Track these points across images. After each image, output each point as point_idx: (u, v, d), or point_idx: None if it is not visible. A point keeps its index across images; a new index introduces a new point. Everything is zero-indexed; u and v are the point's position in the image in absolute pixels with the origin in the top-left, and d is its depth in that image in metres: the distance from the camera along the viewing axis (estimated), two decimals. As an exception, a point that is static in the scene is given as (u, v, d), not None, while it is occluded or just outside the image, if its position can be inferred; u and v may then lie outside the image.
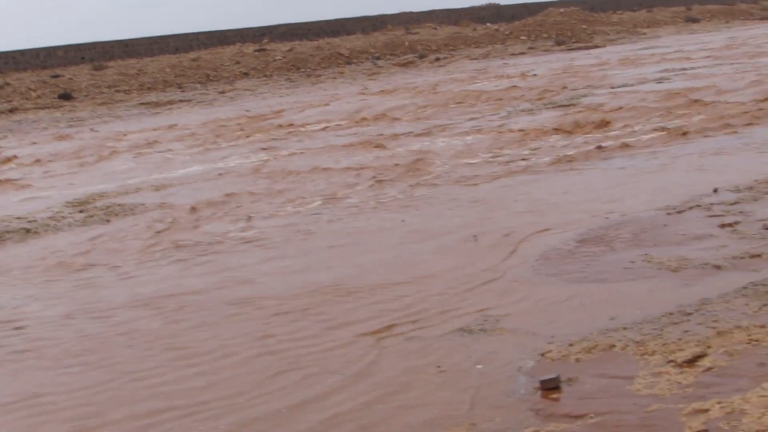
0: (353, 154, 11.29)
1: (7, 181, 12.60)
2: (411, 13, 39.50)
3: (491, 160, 9.99)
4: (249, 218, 7.68)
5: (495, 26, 37.65)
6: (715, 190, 7.14)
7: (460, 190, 8.40)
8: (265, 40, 35.00)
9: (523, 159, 9.83)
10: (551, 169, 9.06)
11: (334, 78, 29.55)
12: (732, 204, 6.69)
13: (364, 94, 21.76)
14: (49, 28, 71.57)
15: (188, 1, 73.92)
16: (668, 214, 6.56)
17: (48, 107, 27.03)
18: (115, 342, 4.89)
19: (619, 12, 43.23)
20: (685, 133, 10.37)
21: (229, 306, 5.32)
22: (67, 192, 10.30)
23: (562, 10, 38.28)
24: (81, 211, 8.72)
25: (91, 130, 20.24)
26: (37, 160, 14.95)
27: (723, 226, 6.04)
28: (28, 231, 7.94)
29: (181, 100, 27.40)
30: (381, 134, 13.23)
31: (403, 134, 13.09)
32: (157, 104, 27.00)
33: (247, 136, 15.14)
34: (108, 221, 8.13)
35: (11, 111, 26.21)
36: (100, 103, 27.80)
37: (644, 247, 5.70)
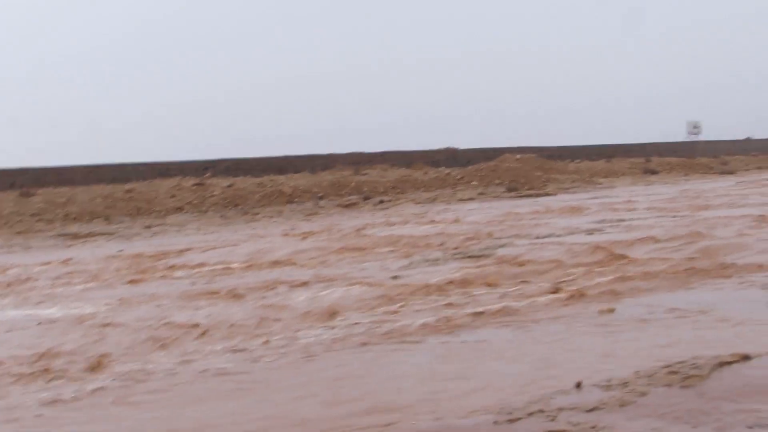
0: (204, 307, 9.62)
1: None
2: (363, 153, 38.45)
3: (338, 324, 8.21)
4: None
5: (447, 170, 36.56)
6: (578, 385, 5.41)
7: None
8: (207, 174, 33.69)
9: (376, 324, 8.10)
10: (381, 343, 7.21)
11: (271, 217, 28.12)
12: (589, 410, 4.91)
13: (287, 235, 20.37)
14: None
15: (133, 129, 70.98)
16: (495, 423, 4.74)
17: (-40, 235, 25.32)
18: None
19: (578, 161, 42.41)
20: (584, 296, 8.74)
21: None
22: None
23: (518, 156, 37.34)
24: None
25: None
26: None
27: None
28: None
29: (101, 233, 25.81)
30: (259, 282, 11.60)
31: (286, 282, 11.48)
32: (75, 236, 25.38)
33: (128, 277, 13.49)
34: None
35: None
36: (17, 232, 26.17)
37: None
